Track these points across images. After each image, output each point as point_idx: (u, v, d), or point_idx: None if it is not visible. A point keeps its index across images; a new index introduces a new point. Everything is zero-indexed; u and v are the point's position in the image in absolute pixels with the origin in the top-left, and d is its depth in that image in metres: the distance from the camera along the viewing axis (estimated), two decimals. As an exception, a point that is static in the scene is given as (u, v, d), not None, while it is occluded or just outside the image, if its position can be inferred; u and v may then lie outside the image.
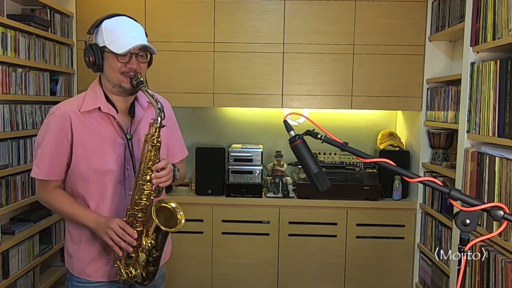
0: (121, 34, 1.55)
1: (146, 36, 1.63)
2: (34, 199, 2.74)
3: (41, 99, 2.86)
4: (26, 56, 2.65)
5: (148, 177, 1.53)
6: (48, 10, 2.92)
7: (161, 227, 1.53)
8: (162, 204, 1.59)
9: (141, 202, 1.54)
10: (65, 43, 3.14)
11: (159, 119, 1.53)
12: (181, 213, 1.59)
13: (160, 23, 3.16)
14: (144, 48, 1.57)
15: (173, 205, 1.60)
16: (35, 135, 2.71)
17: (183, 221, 1.58)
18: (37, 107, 2.81)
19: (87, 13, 3.20)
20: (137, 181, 1.55)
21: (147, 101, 1.68)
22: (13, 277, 2.52)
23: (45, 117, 1.64)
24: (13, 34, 2.51)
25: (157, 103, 1.53)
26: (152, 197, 1.56)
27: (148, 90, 1.55)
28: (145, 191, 1.54)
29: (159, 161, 1.54)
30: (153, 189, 1.55)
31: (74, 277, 1.66)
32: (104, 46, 1.54)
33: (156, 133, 1.53)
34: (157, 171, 1.52)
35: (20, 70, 2.60)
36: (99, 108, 1.58)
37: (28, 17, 2.71)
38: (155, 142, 1.53)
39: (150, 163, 1.53)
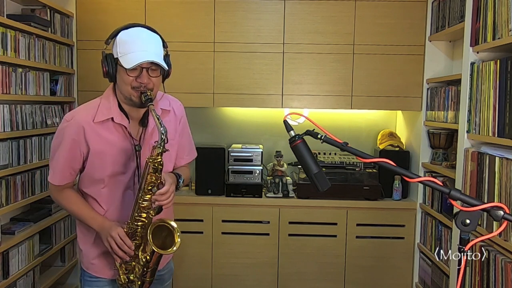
0: (132, 48, 1.53)
1: (166, 47, 1.64)
2: (34, 199, 2.74)
3: (41, 99, 2.85)
4: (26, 56, 2.65)
5: (148, 197, 1.56)
6: (48, 10, 2.92)
7: (156, 250, 1.55)
8: (161, 223, 1.61)
9: (140, 219, 1.58)
10: (65, 43, 3.14)
11: (162, 143, 1.52)
12: (178, 234, 1.61)
13: (160, 23, 3.15)
14: (155, 63, 1.54)
15: (174, 225, 1.61)
16: (35, 135, 2.74)
17: (178, 242, 1.59)
18: (37, 107, 2.81)
19: (87, 13, 3.20)
20: (137, 200, 1.58)
21: (162, 108, 1.70)
22: (13, 277, 2.52)
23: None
24: (13, 34, 2.51)
25: (161, 127, 1.50)
26: (150, 216, 1.58)
27: (155, 110, 1.53)
28: (144, 210, 1.57)
29: (161, 182, 1.55)
30: (153, 207, 1.58)
31: (86, 272, 1.73)
32: (117, 58, 1.55)
33: (159, 158, 1.52)
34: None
35: (20, 70, 2.60)
36: (112, 118, 1.61)
37: (28, 17, 2.71)
38: (156, 165, 1.53)
39: (151, 185, 1.55)
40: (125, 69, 1.52)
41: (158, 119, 1.51)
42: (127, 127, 1.62)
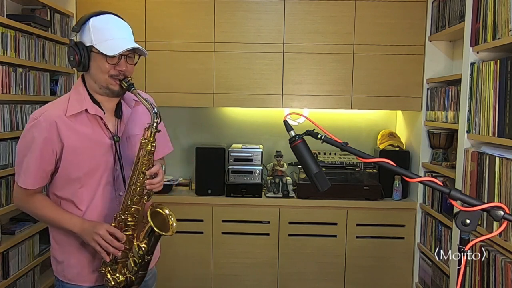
0: (111, 35, 1.50)
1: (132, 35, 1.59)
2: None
3: (41, 99, 2.85)
4: (26, 56, 2.65)
5: (141, 182, 1.52)
6: (48, 10, 2.92)
7: (156, 230, 1.51)
8: (157, 209, 1.59)
9: (132, 207, 1.53)
10: (65, 43, 3.13)
11: (155, 124, 1.50)
12: (172, 219, 1.59)
13: (160, 23, 3.16)
14: (133, 49, 1.51)
15: (167, 211, 1.60)
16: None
17: (174, 224, 1.57)
18: (37, 107, 2.80)
19: (87, 13, 3.19)
20: (130, 185, 1.52)
21: (134, 99, 1.64)
22: (13, 277, 2.52)
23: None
24: (13, 34, 2.51)
25: (153, 108, 1.49)
26: (144, 202, 1.55)
27: (141, 93, 1.51)
28: (137, 196, 1.53)
29: (153, 165, 1.53)
30: (145, 193, 1.54)
31: (66, 284, 1.61)
32: (92, 46, 1.48)
33: (151, 138, 1.51)
34: (151, 177, 1.52)
35: (20, 70, 2.60)
36: (86, 110, 1.53)
37: (28, 17, 2.71)
38: (149, 147, 1.51)
39: (144, 167, 1.51)
40: (105, 56, 1.47)
41: (146, 100, 1.50)
42: (102, 117, 1.55)
